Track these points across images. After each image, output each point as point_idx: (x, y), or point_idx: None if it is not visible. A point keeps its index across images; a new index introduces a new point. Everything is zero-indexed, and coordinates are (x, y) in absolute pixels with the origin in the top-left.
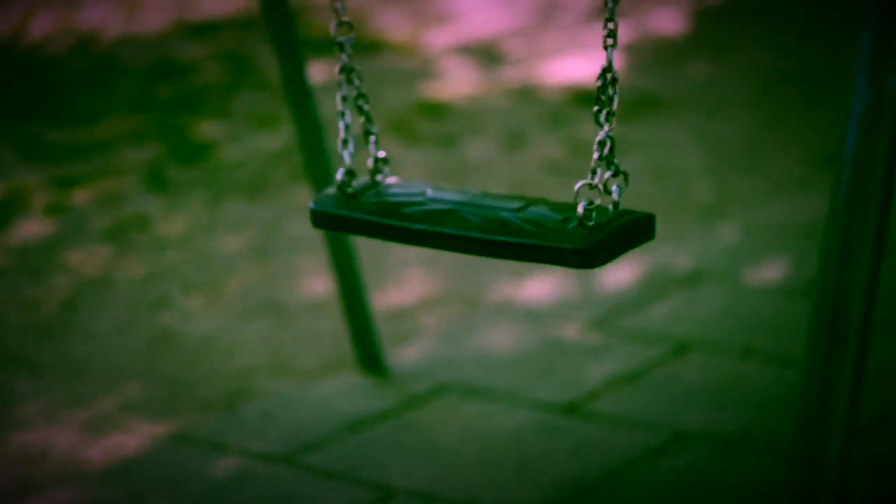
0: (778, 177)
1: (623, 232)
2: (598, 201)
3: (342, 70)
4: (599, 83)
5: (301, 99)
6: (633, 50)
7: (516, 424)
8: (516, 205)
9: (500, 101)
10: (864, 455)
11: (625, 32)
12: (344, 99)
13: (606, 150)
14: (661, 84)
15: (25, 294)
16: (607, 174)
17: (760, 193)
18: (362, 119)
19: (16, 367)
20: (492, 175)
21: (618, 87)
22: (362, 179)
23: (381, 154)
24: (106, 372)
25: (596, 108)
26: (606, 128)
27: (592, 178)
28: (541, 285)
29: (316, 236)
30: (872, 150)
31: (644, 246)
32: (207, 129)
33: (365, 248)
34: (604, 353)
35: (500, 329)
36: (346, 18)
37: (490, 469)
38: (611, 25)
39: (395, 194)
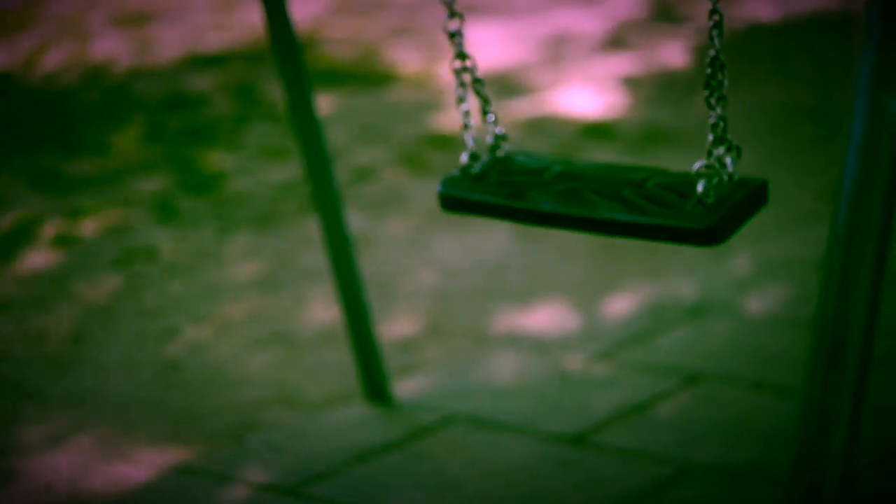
0: (788, 210)
1: (741, 204)
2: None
3: (458, 56)
4: (709, 70)
5: (308, 130)
6: (641, 83)
7: (523, 456)
8: (637, 178)
9: (510, 133)
10: (872, 490)
11: (633, 66)
12: (462, 85)
13: (720, 130)
14: (670, 117)
15: (33, 325)
16: (720, 149)
17: (771, 227)
18: (480, 101)
19: (22, 399)
20: None
21: (726, 72)
22: (483, 158)
23: (500, 130)
24: (113, 403)
25: (706, 92)
26: (718, 110)
27: (709, 159)
28: (547, 316)
29: (324, 268)
30: (872, 175)
31: (653, 276)
32: (217, 160)
33: (372, 278)
34: (611, 385)
35: (507, 360)
36: (457, 8)
37: (497, 501)
38: (716, 17)
39: (517, 173)
